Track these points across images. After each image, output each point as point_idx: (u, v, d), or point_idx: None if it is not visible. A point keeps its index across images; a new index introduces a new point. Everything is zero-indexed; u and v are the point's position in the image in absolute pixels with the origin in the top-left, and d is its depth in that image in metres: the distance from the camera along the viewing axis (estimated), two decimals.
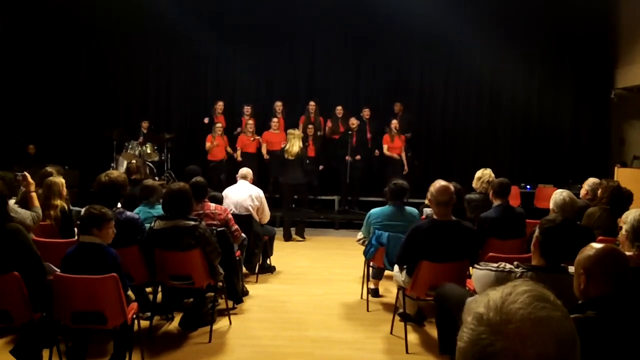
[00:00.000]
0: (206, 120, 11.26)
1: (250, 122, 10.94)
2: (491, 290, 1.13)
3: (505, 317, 1.05)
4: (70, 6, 12.17)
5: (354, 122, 10.80)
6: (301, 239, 9.43)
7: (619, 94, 11.40)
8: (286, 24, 12.20)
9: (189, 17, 11.86)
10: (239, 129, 11.33)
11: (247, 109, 11.24)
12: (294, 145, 9.10)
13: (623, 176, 8.91)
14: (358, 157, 10.79)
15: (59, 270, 4.23)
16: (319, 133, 11.18)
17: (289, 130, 9.50)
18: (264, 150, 10.84)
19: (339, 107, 11.38)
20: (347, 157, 10.58)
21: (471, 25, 11.37)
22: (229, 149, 10.99)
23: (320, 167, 10.91)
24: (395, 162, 10.77)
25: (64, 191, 5.60)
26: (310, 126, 10.90)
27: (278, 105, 11.27)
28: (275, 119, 10.82)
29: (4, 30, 11.82)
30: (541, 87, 12.29)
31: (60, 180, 5.60)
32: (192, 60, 12.77)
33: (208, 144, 10.83)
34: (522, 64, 12.19)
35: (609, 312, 2.26)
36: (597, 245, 2.43)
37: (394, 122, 10.86)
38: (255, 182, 8.34)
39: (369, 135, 11.16)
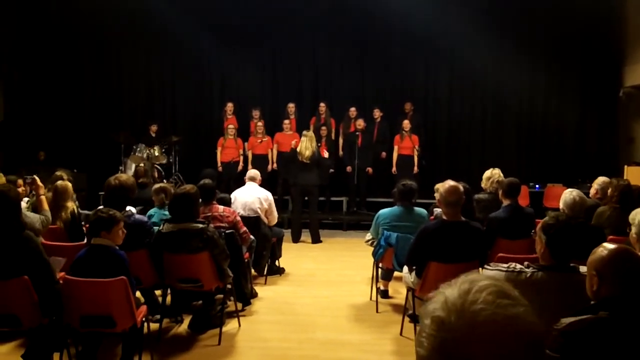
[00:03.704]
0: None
1: (260, 124, 10.95)
2: (446, 287, 1.06)
3: (470, 321, 0.98)
4: (75, 12, 12.22)
5: (360, 123, 10.82)
6: (318, 242, 9.40)
7: (627, 92, 11.33)
8: (290, 26, 12.19)
9: (193, 20, 11.85)
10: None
11: (256, 113, 11.24)
12: (307, 149, 9.05)
13: (633, 175, 8.87)
14: (369, 170, 10.83)
15: (63, 261, 4.25)
16: (332, 136, 11.20)
17: (304, 132, 9.46)
18: (274, 153, 10.83)
19: (352, 108, 11.37)
20: (347, 169, 10.78)
21: (475, 24, 11.31)
22: (241, 151, 11.01)
23: (331, 171, 10.90)
24: (405, 162, 10.75)
25: (73, 194, 5.62)
26: (323, 127, 10.92)
27: (290, 106, 11.30)
28: (287, 121, 10.85)
29: (10, 37, 11.89)
30: (548, 86, 12.23)
31: (69, 183, 5.63)
32: (196, 62, 12.79)
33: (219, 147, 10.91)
34: (529, 63, 12.13)
35: (622, 312, 2.24)
36: (609, 246, 2.40)
37: (405, 122, 10.85)
38: (265, 183, 8.36)
39: (374, 137, 11.17)
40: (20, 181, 6.42)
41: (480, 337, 0.97)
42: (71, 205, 5.48)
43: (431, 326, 1.01)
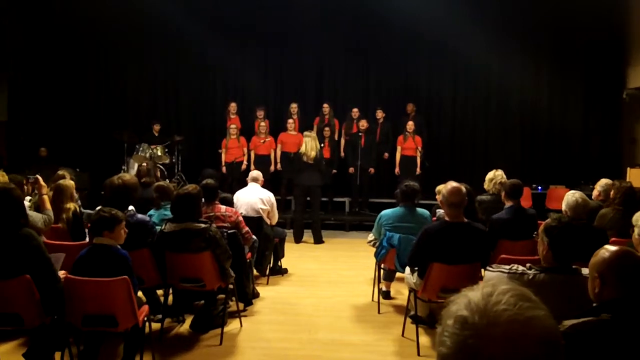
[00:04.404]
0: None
1: (263, 123, 10.96)
2: (468, 291, 1.10)
3: (492, 320, 1.02)
4: (80, 12, 12.22)
5: (364, 124, 10.82)
6: (320, 242, 9.39)
7: (631, 94, 11.29)
8: (294, 26, 12.18)
9: (196, 20, 11.85)
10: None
11: (260, 113, 11.25)
12: (312, 150, 9.07)
13: (635, 176, 8.86)
14: (371, 170, 10.84)
15: (63, 256, 4.25)
16: (335, 137, 11.21)
17: (306, 133, 9.48)
18: (278, 153, 10.84)
19: (355, 109, 11.37)
20: (350, 169, 10.82)
21: (479, 24, 11.31)
22: (245, 149, 11.02)
23: (333, 171, 10.91)
24: (408, 163, 10.76)
25: (75, 194, 5.62)
26: (326, 128, 10.93)
27: (293, 107, 11.29)
28: (291, 120, 10.85)
29: (16, 35, 11.91)
30: (551, 87, 12.23)
31: (71, 183, 5.63)
32: (200, 62, 12.79)
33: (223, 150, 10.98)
34: (532, 64, 12.14)
35: (624, 315, 2.24)
36: (611, 248, 2.39)
37: (410, 123, 10.85)
38: (267, 183, 8.36)
39: (378, 137, 11.17)
40: (24, 181, 6.42)
41: (502, 336, 1.00)
42: (72, 204, 5.47)
43: (454, 325, 1.04)
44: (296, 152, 9.50)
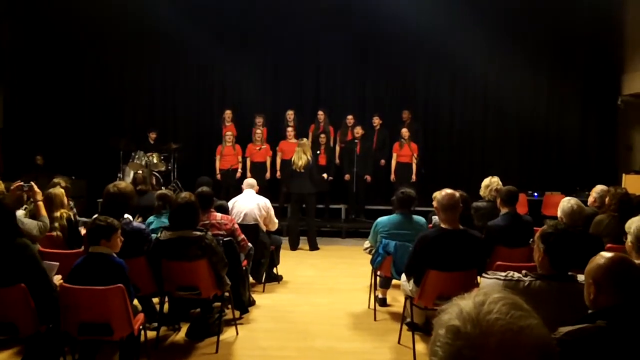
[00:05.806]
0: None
1: (258, 131, 10.95)
2: (460, 299, 1.08)
3: (485, 330, 1.00)
4: (77, 17, 12.20)
5: (359, 131, 10.81)
6: (316, 249, 9.39)
7: (625, 101, 11.35)
8: (291, 33, 12.21)
9: (194, 27, 11.84)
10: None
11: (259, 120, 11.25)
12: (301, 159, 9.09)
13: (631, 183, 8.88)
14: (368, 177, 10.84)
15: (57, 265, 4.23)
16: (331, 143, 11.21)
17: (297, 141, 9.51)
18: (277, 161, 10.85)
19: (350, 116, 11.38)
20: (346, 176, 10.81)
21: (477, 32, 11.35)
22: (240, 158, 11.02)
23: (330, 178, 10.88)
24: (404, 170, 10.77)
25: (66, 201, 5.59)
26: (322, 135, 10.93)
27: (290, 114, 11.30)
28: (290, 128, 10.84)
29: (11, 42, 11.90)
30: (548, 94, 12.25)
31: (61, 191, 5.58)
32: (197, 69, 12.80)
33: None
34: (529, 71, 12.15)
35: (619, 321, 2.24)
36: (607, 255, 2.40)
37: (404, 131, 10.86)
38: (265, 190, 8.34)
39: (374, 145, 11.18)
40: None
41: (496, 346, 0.99)
42: (65, 212, 5.44)
43: (446, 335, 1.03)
44: (288, 161, 9.53)
